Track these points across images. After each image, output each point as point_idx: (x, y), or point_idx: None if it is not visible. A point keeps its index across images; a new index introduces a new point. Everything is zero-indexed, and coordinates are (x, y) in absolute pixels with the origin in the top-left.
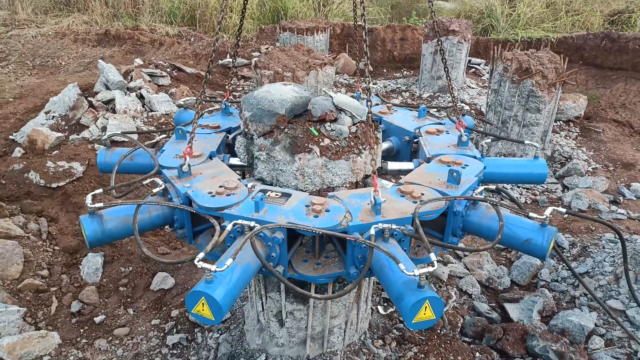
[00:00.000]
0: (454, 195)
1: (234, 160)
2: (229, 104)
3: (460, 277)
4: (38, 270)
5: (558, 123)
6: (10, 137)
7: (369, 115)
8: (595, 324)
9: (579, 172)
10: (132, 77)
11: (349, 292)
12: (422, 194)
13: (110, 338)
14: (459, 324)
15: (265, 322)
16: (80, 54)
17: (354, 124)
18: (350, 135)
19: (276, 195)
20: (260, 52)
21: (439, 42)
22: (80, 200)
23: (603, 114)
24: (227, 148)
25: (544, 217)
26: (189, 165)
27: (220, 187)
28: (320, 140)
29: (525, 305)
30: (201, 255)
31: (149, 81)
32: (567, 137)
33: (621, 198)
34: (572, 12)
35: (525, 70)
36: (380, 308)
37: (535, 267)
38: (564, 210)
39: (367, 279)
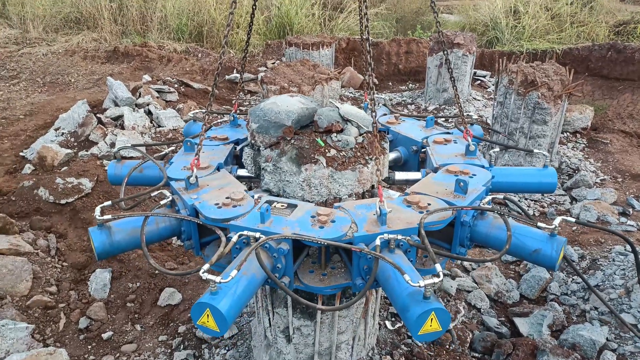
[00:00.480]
0: (461, 205)
1: (242, 172)
2: (237, 115)
3: (469, 291)
4: (47, 286)
5: (565, 134)
6: (21, 153)
7: (374, 125)
8: (607, 339)
9: (587, 183)
10: (140, 94)
11: (355, 303)
12: (429, 204)
13: (118, 354)
14: (468, 339)
15: (273, 338)
16: (89, 71)
17: (360, 135)
18: (356, 146)
19: (282, 206)
20: (267, 67)
21: (445, 53)
22: (89, 216)
23: (610, 125)
24: (235, 159)
25: (553, 226)
26: (196, 177)
27: (227, 198)
28: (327, 151)
29: (534, 319)
30: (206, 266)
31: (157, 97)
32: (575, 149)
33: (630, 210)
34: (577, 23)
35: (531, 82)
36: (388, 323)
37: (544, 281)
38: (573, 219)
39: (374, 293)
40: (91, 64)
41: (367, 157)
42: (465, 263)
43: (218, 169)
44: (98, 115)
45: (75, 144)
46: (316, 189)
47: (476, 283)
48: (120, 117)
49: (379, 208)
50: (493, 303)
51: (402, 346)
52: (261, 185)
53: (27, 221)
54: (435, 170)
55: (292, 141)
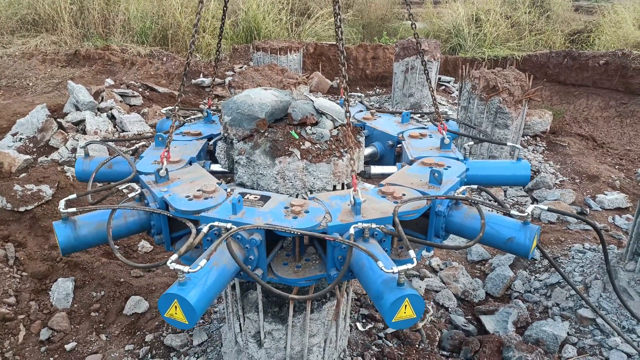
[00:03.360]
0: (435, 195)
1: (215, 167)
2: (212, 112)
3: (437, 291)
4: (4, 297)
5: (525, 138)
6: None
7: (347, 114)
8: (568, 333)
9: (547, 185)
10: (103, 98)
11: (328, 291)
12: (403, 195)
13: None
14: (437, 338)
15: (244, 343)
16: (48, 74)
17: (335, 128)
18: (331, 139)
19: (255, 198)
20: (234, 72)
21: (420, 52)
22: (49, 224)
23: (568, 129)
24: (209, 155)
25: (526, 214)
26: (166, 170)
27: (198, 190)
28: (301, 143)
29: (500, 316)
30: (174, 257)
31: (121, 101)
32: (535, 152)
33: (588, 209)
34: (535, 31)
35: (493, 87)
36: (359, 325)
37: (508, 279)
38: (545, 207)
39: (345, 295)
40: (50, 68)
41: (342, 150)
42: (434, 263)
43: (190, 163)
44: (58, 120)
45: (34, 149)
46: (290, 182)
47: (444, 283)
48: (82, 121)
49: (353, 197)
50: (460, 302)
51: (373, 347)
52: (235, 179)
53: None
54: (411, 163)
55: (266, 134)
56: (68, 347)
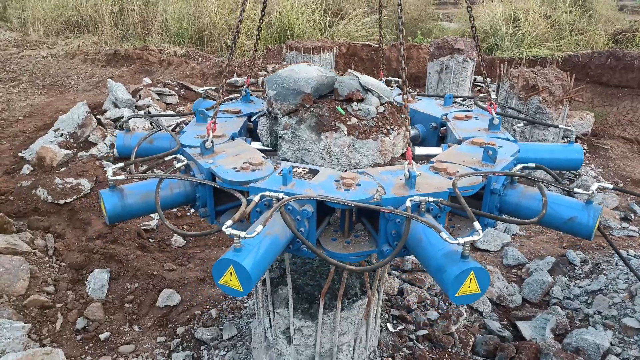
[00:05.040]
0: (493, 171)
1: (256, 145)
2: (250, 92)
3: None
4: (44, 286)
5: (565, 140)
6: (20, 154)
7: (405, 83)
8: (611, 343)
9: (588, 188)
10: (140, 96)
11: (383, 266)
12: (457, 171)
13: (115, 355)
14: (470, 342)
15: (273, 339)
16: (89, 73)
17: (381, 104)
18: (377, 115)
19: (303, 171)
20: (267, 72)
21: (475, 38)
22: (87, 216)
23: (611, 131)
24: (248, 133)
25: (590, 192)
26: (212, 142)
27: (245, 163)
28: (348, 119)
29: (537, 323)
30: (229, 222)
31: (157, 99)
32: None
33: (632, 215)
34: (576, 31)
35: (532, 87)
36: (389, 325)
37: (547, 285)
38: (610, 185)
39: (376, 294)
40: (91, 67)
41: (388, 127)
42: None
43: (232, 138)
44: (98, 116)
45: (74, 144)
46: (336, 158)
47: None
48: (120, 118)
49: (408, 170)
50: (495, 307)
51: (404, 349)
52: (278, 155)
53: (25, 221)
54: (459, 142)
55: (312, 109)
56: (102, 336)
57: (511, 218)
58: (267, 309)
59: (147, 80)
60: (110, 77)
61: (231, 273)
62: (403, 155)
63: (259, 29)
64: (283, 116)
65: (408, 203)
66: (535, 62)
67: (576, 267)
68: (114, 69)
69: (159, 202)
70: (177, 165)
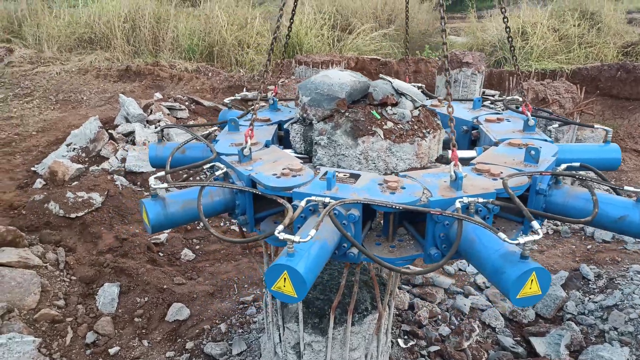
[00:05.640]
0: (541, 170)
1: (288, 152)
2: (277, 100)
3: (483, 310)
4: (54, 300)
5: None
6: (32, 168)
7: (447, 85)
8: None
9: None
10: (151, 111)
11: (434, 270)
12: (501, 172)
13: None
14: (483, 359)
15: (283, 354)
16: (101, 89)
17: (415, 108)
18: (413, 119)
19: (345, 175)
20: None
21: (505, 19)
22: (97, 230)
23: (622, 144)
24: (279, 141)
25: None
26: (250, 149)
27: (284, 169)
28: (383, 123)
29: (551, 339)
30: (281, 227)
31: (168, 114)
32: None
33: None
34: (585, 44)
35: (542, 100)
36: (400, 341)
37: (560, 300)
38: None
39: (387, 309)
40: (103, 83)
41: (424, 131)
42: (479, 280)
43: (266, 145)
44: (109, 131)
45: (86, 159)
46: (373, 163)
47: (490, 302)
48: (132, 133)
49: (454, 172)
50: (508, 322)
51: None
52: (313, 161)
53: (37, 235)
54: (496, 144)
55: (347, 114)
56: (112, 351)
57: (565, 217)
58: (277, 324)
59: (158, 95)
60: (122, 93)
61: (285, 279)
62: (439, 159)
63: (288, 36)
64: (318, 122)
65: (457, 204)
66: (545, 75)
67: (590, 282)
68: (125, 84)
69: (201, 210)
70: (217, 173)
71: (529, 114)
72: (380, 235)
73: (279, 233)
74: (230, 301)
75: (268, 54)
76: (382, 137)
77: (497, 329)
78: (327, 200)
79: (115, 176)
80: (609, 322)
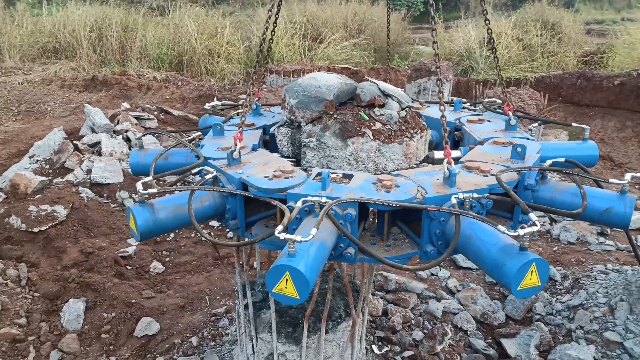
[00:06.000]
0: (530, 166)
1: (276, 155)
2: (260, 105)
3: (455, 314)
4: (15, 318)
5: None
6: None
7: (439, 80)
8: (594, 357)
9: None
10: (118, 121)
11: (434, 267)
12: (490, 169)
13: None
14: None
15: None
16: (66, 99)
17: (402, 109)
18: (400, 120)
19: (337, 176)
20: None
21: (489, 31)
22: (62, 244)
23: None
24: (264, 145)
25: (625, 181)
26: (239, 152)
27: (276, 171)
28: (372, 124)
29: (522, 340)
30: (280, 227)
31: (136, 124)
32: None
33: (608, 230)
34: (547, 53)
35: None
36: (375, 347)
37: (529, 301)
38: None
39: (361, 315)
40: (68, 93)
41: (412, 131)
42: (450, 285)
43: (254, 149)
44: (75, 142)
45: (50, 171)
46: (363, 164)
47: (462, 305)
48: (98, 143)
49: (448, 169)
50: (479, 325)
51: None
52: (302, 164)
53: None
54: (481, 143)
55: (335, 115)
56: None
57: (558, 210)
58: (250, 335)
59: (125, 105)
60: (87, 103)
61: (287, 280)
62: (425, 160)
63: (271, 40)
64: (306, 124)
65: (454, 200)
66: (510, 83)
67: (557, 283)
68: (91, 94)
69: (192, 214)
70: (207, 177)
71: (510, 113)
72: (375, 235)
73: (279, 233)
74: (201, 314)
75: (257, 55)
76: (372, 137)
77: (469, 332)
78: (323, 200)
79: (81, 188)
80: (575, 321)
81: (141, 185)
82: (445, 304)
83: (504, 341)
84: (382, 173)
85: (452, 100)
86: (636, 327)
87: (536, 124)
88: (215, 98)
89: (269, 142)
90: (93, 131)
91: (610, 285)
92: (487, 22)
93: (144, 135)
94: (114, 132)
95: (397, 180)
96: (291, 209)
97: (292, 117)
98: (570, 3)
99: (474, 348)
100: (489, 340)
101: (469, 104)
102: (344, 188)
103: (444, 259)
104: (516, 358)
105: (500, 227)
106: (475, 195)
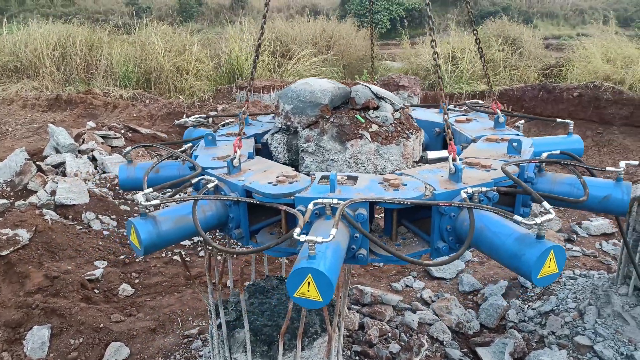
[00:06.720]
0: (529, 159)
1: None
2: (249, 116)
3: (430, 324)
4: None
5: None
6: None
7: (440, 80)
8: None
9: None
10: (84, 140)
11: (453, 261)
12: (491, 164)
13: None
14: None
15: None
16: (29, 119)
17: (396, 111)
18: (395, 122)
19: (342, 178)
20: (217, 111)
21: (475, 32)
22: (25, 269)
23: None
24: (256, 153)
25: (621, 169)
26: (239, 159)
27: (279, 176)
28: (369, 126)
29: (496, 348)
30: (298, 230)
31: (102, 143)
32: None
33: (575, 236)
34: (510, 67)
35: None
36: None
37: (502, 309)
38: (637, 162)
39: (337, 330)
40: (31, 113)
41: (407, 132)
42: (425, 295)
43: (250, 157)
44: (38, 163)
45: (11, 193)
46: (363, 166)
47: (437, 315)
48: (62, 164)
49: (453, 165)
50: (455, 334)
51: None
52: (300, 169)
53: None
54: (474, 141)
55: (331, 119)
56: None
57: (564, 199)
58: (224, 355)
59: (91, 124)
60: (51, 122)
61: (309, 283)
62: (419, 160)
63: (257, 51)
64: (303, 129)
65: (464, 195)
66: (474, 96)
67: (528, 290)
68: (55, 114)
69: (198, 224)
70: (209, 186)
71: (499, 111)
72: (382, 235)
73: (298, 235)
74: (173, 336)
75: (254, 61)
76: (370, 139)
77: (444, 342)
78: (334, 201)
79: (45, 210)
80: (547, 327)
81: (143, 197)
82: (421, 315)
83: (479, 350)
84: (381, 174)
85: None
86: (604, 330)
87: (522, 122)
88: (185, 115)
89: (261, 151)
90: (57, 151)
91: (579, 290)
92: (475, 32)
93: (133, 149)
94: (79, 151)
95: (403, 179)
96: (302, 213)
97: (288, 123)
98: (528, 19)
99: (450, 358)
100: (465, 350)
101: (452, 105)
102: (352, 189)
103: (462, 253)
104: None
105: (516, 217)
106: (484, 189)
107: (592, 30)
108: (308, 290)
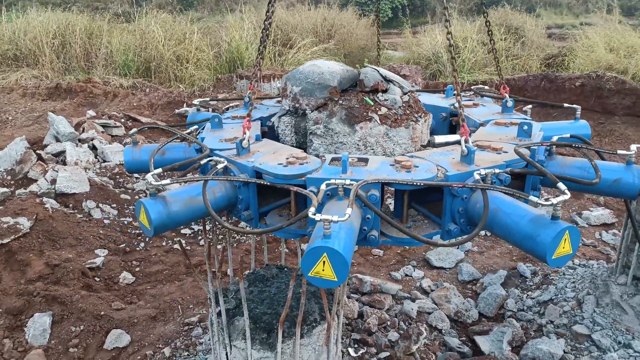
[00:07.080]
0: (540, 142)
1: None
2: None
3: (429, 313)
4: None
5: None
6: None
7: (453, 61)
8: (564, 351)
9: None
10: (84, 129)
11: (468, 242)
12: (502, 147)
13: None
14: None
15: None
16: (29, 108)
17: (404, 94)
18: (404, 105)
19: (353, 159)
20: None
21: (485, 14)
22: (26, 257)
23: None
24: (262, 137)
25: (632, 152)
26: (248, 141)
27: (289, 158)
28: (378, 109)
29: (495, 336)
30: (312, 209)
31: (102, 132)
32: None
33: (575, 226)
34: (512, 57)
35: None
36: (351, 350)
37: (500, 298)
38: None
39: (336, 319)
40: (31, 101)
41: (416, 115)
42: (424, 284)
43: (257, 139)
44: (38, 151)
45: (12, 182)
46: (372, 149)
47: (436, 304)
48: (62, 152)
49: (466, 147)
50: (453, 323)
51: None
52: (308, 152)
53: None
54: (482, 125)
55: (340, 101)
56: None
57: (579, 180)
58: (224, 343)
59: (91, 112)
60: (51, 111)
61: (324, 262)
62: (427, 144)
63: (267, 30)
64: (312, 111)
65: (477, 176)
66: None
67: (527, 279)
68: (55, 102)
69: (209, 204)
70: (219, 167)
71: (507, 95)
72: (393, 217)
73: (313, 215)
74: (174, 323)
75: (259, 49)
76: (379, 122)
77: (443, 331)
78: (347, 182)
79: (45, 199)
80: (546, 316)
81: (152, 177)
82: (420, 303)
83: (477, 338)
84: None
85: (444, 89)
86: (602, 319)
87: (530, 106)
88: (185, 104)
89: (267, 134)
90: (57, 140)
91: (578, 279)
92: (487, 23)
93: (140, 130)
94: (79, 140)
95: (414, 161)
96: (314, 194)
97: (297, 105)
98: (531, 8)
99: (448, 346)
100: (463, 338)
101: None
102: (364, 171)
103: (477, 234)
104: (490, 355)
105: (532, 197)
106: (497, 171)
107: (595, 20)
108: (323, 270)
